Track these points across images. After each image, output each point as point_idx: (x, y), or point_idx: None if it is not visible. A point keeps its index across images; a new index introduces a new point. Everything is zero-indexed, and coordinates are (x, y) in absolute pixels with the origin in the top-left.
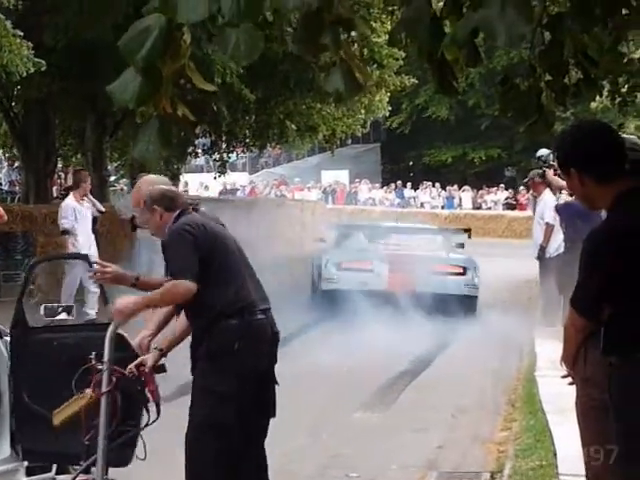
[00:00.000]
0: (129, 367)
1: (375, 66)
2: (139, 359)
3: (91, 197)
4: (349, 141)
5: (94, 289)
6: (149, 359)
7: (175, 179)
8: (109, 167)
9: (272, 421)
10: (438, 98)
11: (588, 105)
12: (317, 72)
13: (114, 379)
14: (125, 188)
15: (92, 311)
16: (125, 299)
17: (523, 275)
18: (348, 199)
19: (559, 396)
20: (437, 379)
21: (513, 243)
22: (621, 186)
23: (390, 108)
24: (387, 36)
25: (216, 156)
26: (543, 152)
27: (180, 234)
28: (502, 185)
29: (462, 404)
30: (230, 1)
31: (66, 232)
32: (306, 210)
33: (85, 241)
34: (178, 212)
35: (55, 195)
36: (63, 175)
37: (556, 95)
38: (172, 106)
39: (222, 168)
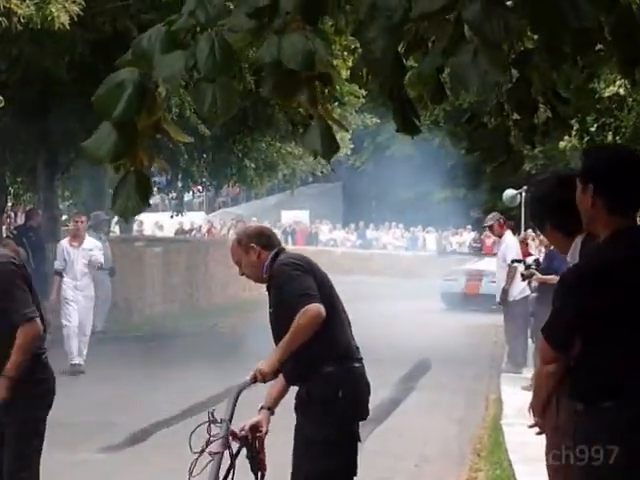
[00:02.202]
0: (244, 429)
1: (336, 104)
2: (252, 421)
3: (96, 248)
4: (310, 180)
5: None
6: (263, 422)
7: (130, 218)
8: (61, 206)
9: None
10: (401, 136)
11: (557, 144)
12: (277, 110)
13: (230, 440)
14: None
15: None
16: (266, 362)
17: (489, 319)
18: (309, 239)
19: (526, 445)
20: (401, 426)
21: None
22: (629, 221)
23: (352, 146)
24: (348, 73)
25: (172, 195)
26: (509, 194)
27: (292, 265)
28: (469, 226)
29: (426, 453)
30: (206, 56)
31: (57, 273)
32: None
33: (73, 283)
34: (275, 251)
35: (5, 235)
36: (13, 214)
37: (524, 134)
38: (149, 160)
39: (179, 207)
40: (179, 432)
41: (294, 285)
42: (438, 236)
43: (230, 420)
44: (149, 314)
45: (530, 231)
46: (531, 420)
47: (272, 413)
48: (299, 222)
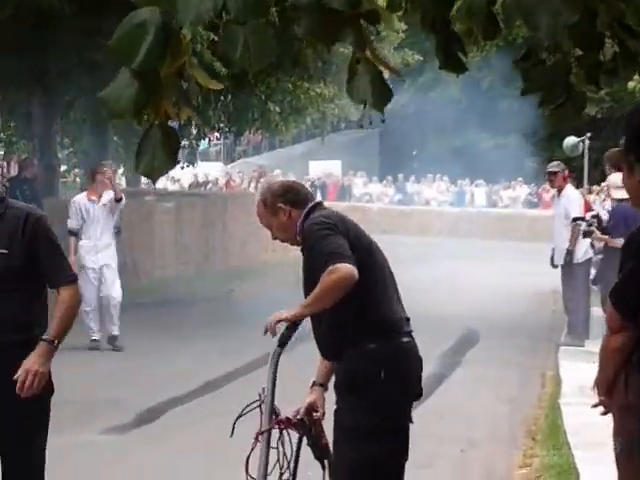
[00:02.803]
0: (298, 412)
1: (372, 39)
2: (306, 402)
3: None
4: (342, 126)
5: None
6: (318, 401)
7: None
8: (59, 155)
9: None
10: (446, 76)
11: (625, 85)
12: (305, 45)
13: (277, 416)
14: (78, 180)
15: (115, 327)
16: (278, 313)
17: (546, 285)
18: (341, 194)
19: (588, 427)
20: (444, 407)
21: (535, 247)
22: None
23: (391, 86)
24: (385, 3)
25: (185, 143)
26: (570, 141)
27: (322, 223)
28: (521, 179)
29: (473, 436)
30: None
31: (72, 233)
32: None
33: (91, 247)
34: (308, 208)
35: None
36: (5, 164)
37: (587, 73)
38: (175, 110)
39: (191, 157)
40: (192, 411)
41: (323, 244)
42: (488, 190)
43: (273, 390)
44: (159, 277)
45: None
46: (595, 399)
47: (325, 389)
48: (330, 174)
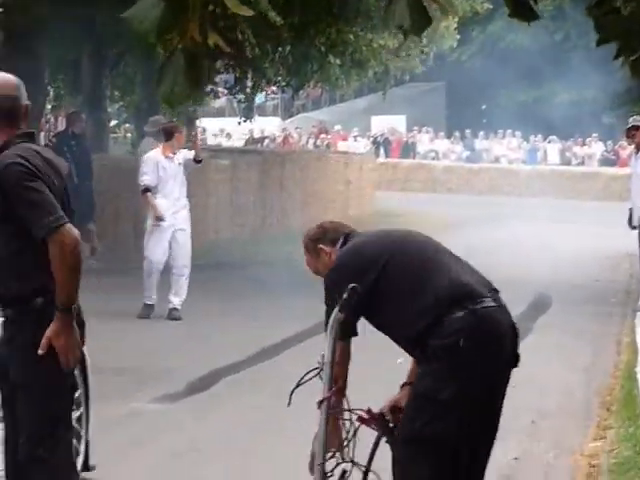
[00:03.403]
0: (383, 410)
1: None
2: (392, 399)
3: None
4: (406, 79)
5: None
6: (403, 400)
7: (190, 124)
8: (109, 109)
9: None
10: (517, 24)
11: None
12: None
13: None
14: (129, 135)
15: (177, 299)
16: None
17: (622, 247)
18: (404, 151)
19: None
20: (515, 375)
21: (611, 208)
22: None
23: (458, 37)
24: None
25: (240, 97)
26: None
27: (336, 272)
28: (597, 135)
29: (545, 406)
30: None
31: (147, 190)
32: (352, 165)
33: (169, 206)
34: (342, 240)
35: (44, 142)
36: (53, 118)
37: None
38: (202, 35)
39: (248, 112)
40: (247, 379)
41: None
42: (561, 147)
43: (333, 358)
44: (213, 240)
45: None
46: None
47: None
48: (393, 130)
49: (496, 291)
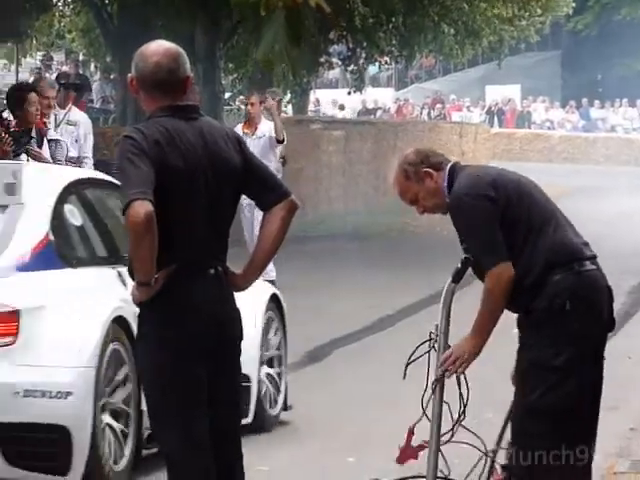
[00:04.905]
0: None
1: None
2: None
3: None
4: (521, 48)
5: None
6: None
7: (304, 95)
8: (223, 81)
9: None
10: None
11: None
12: None
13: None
14: (242, 107)
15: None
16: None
17: None
18: (519, 121)
19: None
20: (631, 347)
21: None
22: None
23: (574, 5)
24: None
25: (352, 68)
26: None
27: (471, 196)
28: None
29: None
30: None
31: None
32: (466, 136)
33: None
34: (448, 169)
35: None
36: None
37: None
38: None
39: (359, 82)
40: (361, 350)
41: (477, 235)
42: None
43: (447, 328)
44: (326, 211)
45: None
46: None
47: None
48: (508, 100)
49: (595, 255)
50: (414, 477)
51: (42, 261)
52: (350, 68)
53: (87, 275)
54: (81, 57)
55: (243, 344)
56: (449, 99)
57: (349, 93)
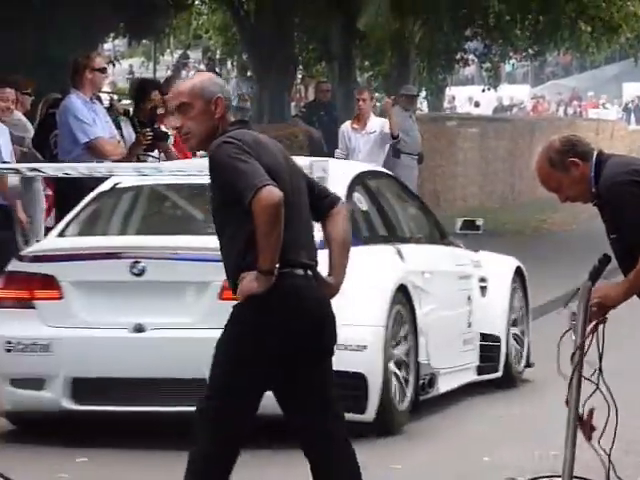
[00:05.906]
0: None
1: None
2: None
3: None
4: None
5: None
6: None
7: (439, 93)
8: (359, 79)
9: None
10: None
11: None
12: None
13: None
14: (378, 104)
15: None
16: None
17: None
18: None
19: None
20: None
21: None
22: None
23: None
24: None
25: (487, 65)
26: None
27: (634, 183)
28: None
29: None
30: None
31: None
32: (603, 132)
33: None
34: (595, 159)
35: (294, 113)
36: (303, 89)
37: None
38: None
39: (494, 79)
40: None
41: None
42: None
43: (584, 327)
44: (461, 208)
45: None
46: None
47: None
48: None
49: None
50: (549, 476)
51: None
52: (485, 65)
53: (375, 251)
54: (218, 55)
55: (494, 309)
56: (586, 96)
57: (483, 90)
